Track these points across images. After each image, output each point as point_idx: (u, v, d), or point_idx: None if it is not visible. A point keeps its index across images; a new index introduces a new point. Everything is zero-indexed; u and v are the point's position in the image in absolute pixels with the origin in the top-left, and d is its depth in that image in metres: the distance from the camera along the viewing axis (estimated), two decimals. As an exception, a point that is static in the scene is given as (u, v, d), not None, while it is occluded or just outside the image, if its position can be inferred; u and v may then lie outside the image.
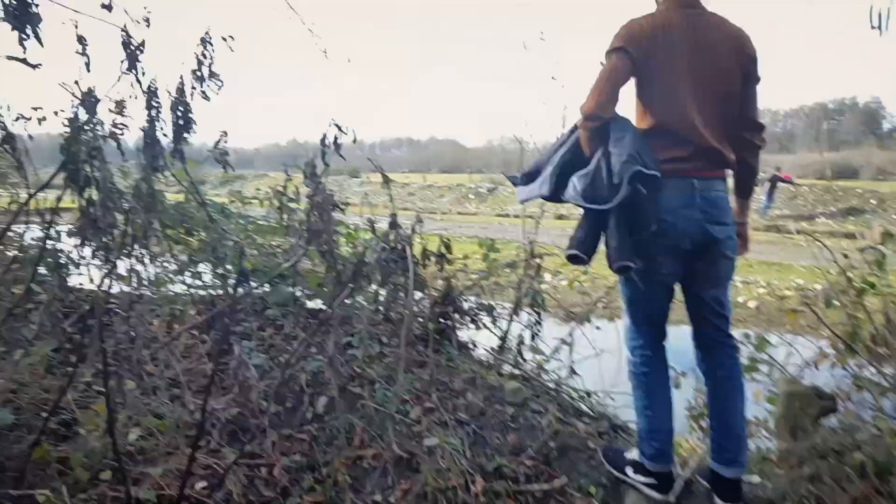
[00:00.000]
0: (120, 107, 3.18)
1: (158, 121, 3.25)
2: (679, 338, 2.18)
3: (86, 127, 1.85)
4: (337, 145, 3.22)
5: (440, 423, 2.53)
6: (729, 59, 1.90)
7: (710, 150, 1.90)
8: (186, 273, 3.60)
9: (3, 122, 2.33)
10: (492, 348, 3.29)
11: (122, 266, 3.59)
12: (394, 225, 3.33)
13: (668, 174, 1.85)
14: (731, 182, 2.12)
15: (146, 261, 3.66)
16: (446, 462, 2.29)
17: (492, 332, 3.41)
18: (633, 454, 2.23)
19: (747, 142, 2.02)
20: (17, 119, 2.36)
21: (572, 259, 1.93)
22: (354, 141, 3.28)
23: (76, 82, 1.83)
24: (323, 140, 3.17)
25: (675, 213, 1.87)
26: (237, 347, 1.65)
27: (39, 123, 2.07)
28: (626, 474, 2.21)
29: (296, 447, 2.34)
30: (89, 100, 1.80)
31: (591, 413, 2.78)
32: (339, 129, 3.19)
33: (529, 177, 2.14)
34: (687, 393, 2.75)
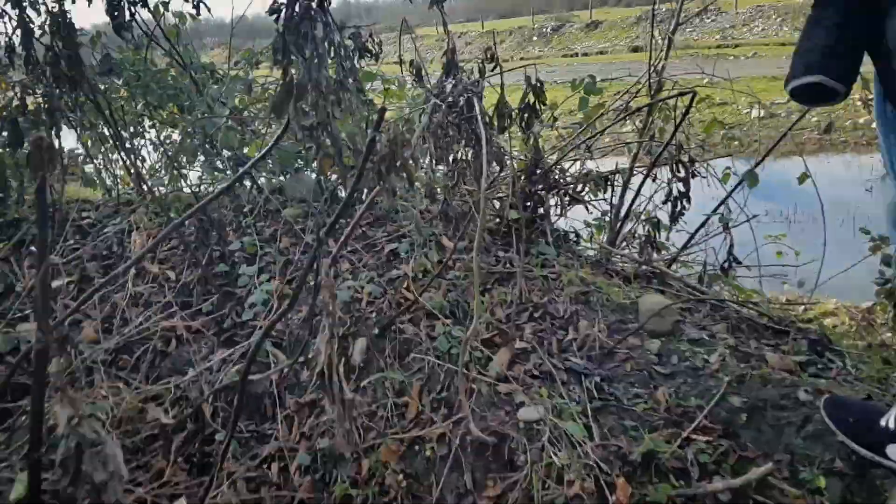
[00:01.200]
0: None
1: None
2: None
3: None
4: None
5: (541, 374, 1.60)
6: None
7: None
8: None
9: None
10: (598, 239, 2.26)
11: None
12: (451, 69, 2.09)
13: None
14: None
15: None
16: (559, 450, 1.39)
17: (594, 208, 2.34)
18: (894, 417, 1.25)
19: None
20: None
21: (804, 95, 1.03)
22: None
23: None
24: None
25: None
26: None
27: None
28: (885, 456, 1.26)
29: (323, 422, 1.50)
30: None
31: (774, 324, 1.77)
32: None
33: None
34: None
